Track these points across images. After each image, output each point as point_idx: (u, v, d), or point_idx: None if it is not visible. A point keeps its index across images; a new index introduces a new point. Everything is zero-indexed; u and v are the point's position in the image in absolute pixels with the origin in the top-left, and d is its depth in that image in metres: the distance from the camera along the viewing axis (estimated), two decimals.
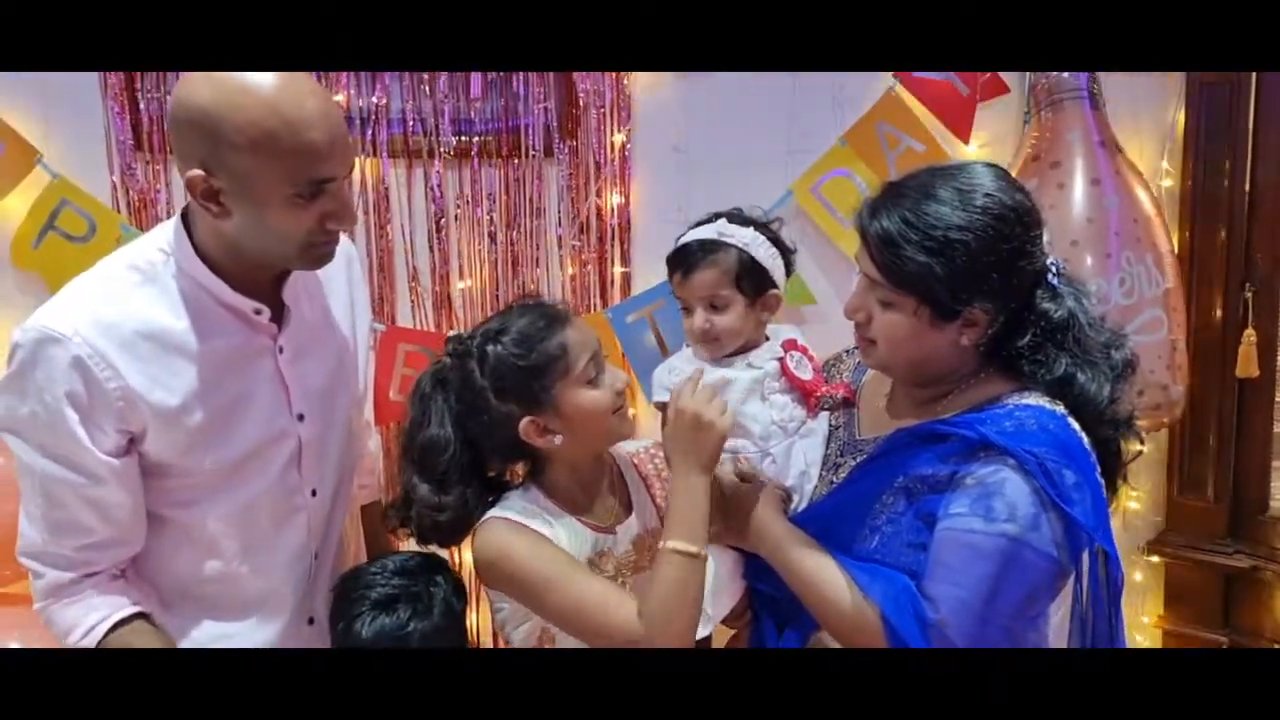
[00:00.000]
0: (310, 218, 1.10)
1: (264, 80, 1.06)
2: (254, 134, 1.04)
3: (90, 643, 1.17)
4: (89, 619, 1.16)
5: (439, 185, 2.04)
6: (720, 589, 1.24)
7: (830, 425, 1.29)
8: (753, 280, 1.28)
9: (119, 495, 1.16)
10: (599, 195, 2.07)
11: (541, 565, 1.16)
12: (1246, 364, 2.09)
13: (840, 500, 1.19)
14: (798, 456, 1.26)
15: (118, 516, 1.17)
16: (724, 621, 1.27)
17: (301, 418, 1.25)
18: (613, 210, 2.08)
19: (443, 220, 2.05)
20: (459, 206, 2.05)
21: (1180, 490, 2.25)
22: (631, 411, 2.19)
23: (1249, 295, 2.11)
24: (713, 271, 1.27)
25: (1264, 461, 2.18)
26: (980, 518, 1.05)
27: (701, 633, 1.26)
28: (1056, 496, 1.04)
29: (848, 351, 1.37)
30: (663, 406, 1.31)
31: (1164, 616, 2.30)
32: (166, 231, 1.18)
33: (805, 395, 1.28)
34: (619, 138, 2.06)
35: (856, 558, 1.14)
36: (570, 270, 2.09)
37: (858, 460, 1.21)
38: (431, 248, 2.05)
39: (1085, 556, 1.08)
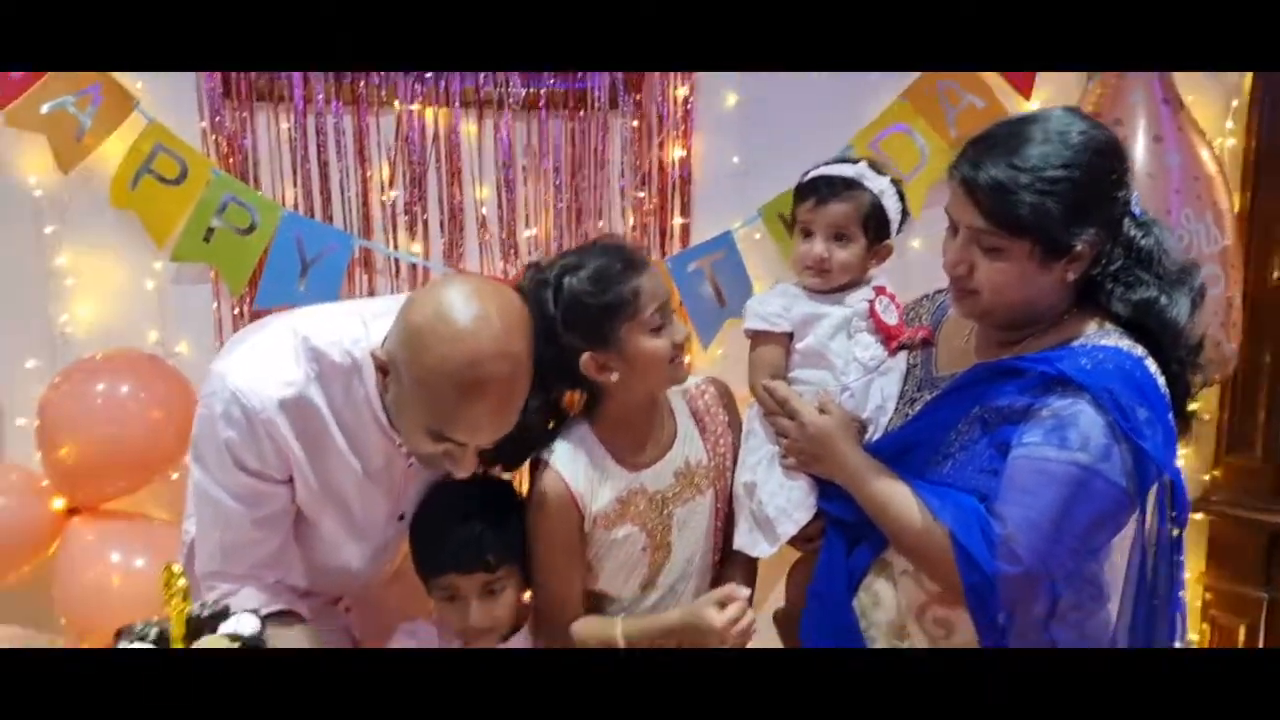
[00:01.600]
0: (432, 447, 1.19)
1: (472, 345, 1.10)
2: (425, 375, 1.12)
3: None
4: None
5: (508, 136, 2.09)
6: (790, 510, 1.31)
7: (908, 363, 1.35)
8: (877, 226, 1.35)
9: (284, 504, 1.30)
10: (661, 148, 2.11)
11: (547, 546, 1.33)
12: None
13: (917, 428, 1.25)
14: (875, 392, 1.32)
15: (282, 526, 1.31)
16: (792, 543, 1.35)
17: (402, 517, 1.38)
18: (674, 163, 2.12)
19: (510, 170, 2.11)
20: (526, 157, 2.11)
21: (1229, 448, 2.27)
22: (687, 359, 2.25)
23: None
24: (847, 205, 1.34)
25: None
26: (1054, 446, 1.10)
27: (769, 551, 1.34)
28: (1129, 430, 1.09)
29: (928, 296, 1.43)
30: (753, 335, 1.39)
31: (1206, 573, 2.34)
32: (356, 334, 1.24)
33: (888, 339, 1.34)
34: (682, 91, 2.09)
35: (929, 482, 1.20)
36: (631, 220, 2.14)
37: (934, 394, 1.26)
38: (499, 196, 2.11)
39: (1153, 492, 1.13)
